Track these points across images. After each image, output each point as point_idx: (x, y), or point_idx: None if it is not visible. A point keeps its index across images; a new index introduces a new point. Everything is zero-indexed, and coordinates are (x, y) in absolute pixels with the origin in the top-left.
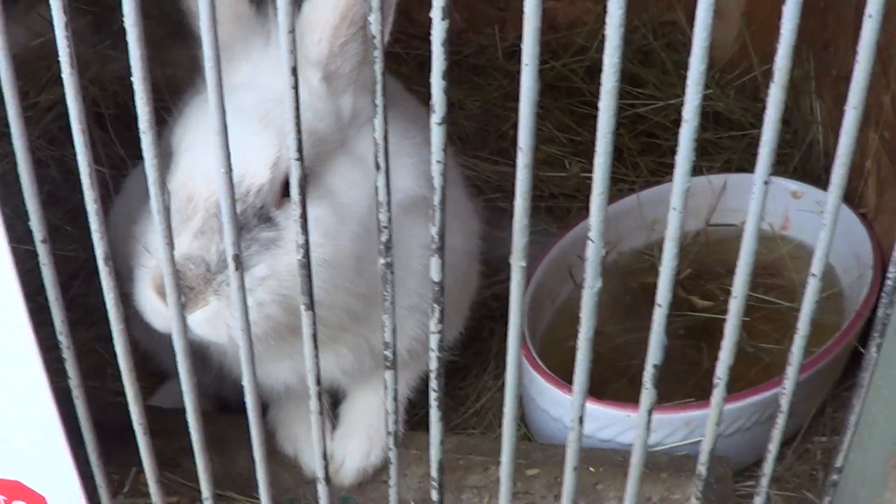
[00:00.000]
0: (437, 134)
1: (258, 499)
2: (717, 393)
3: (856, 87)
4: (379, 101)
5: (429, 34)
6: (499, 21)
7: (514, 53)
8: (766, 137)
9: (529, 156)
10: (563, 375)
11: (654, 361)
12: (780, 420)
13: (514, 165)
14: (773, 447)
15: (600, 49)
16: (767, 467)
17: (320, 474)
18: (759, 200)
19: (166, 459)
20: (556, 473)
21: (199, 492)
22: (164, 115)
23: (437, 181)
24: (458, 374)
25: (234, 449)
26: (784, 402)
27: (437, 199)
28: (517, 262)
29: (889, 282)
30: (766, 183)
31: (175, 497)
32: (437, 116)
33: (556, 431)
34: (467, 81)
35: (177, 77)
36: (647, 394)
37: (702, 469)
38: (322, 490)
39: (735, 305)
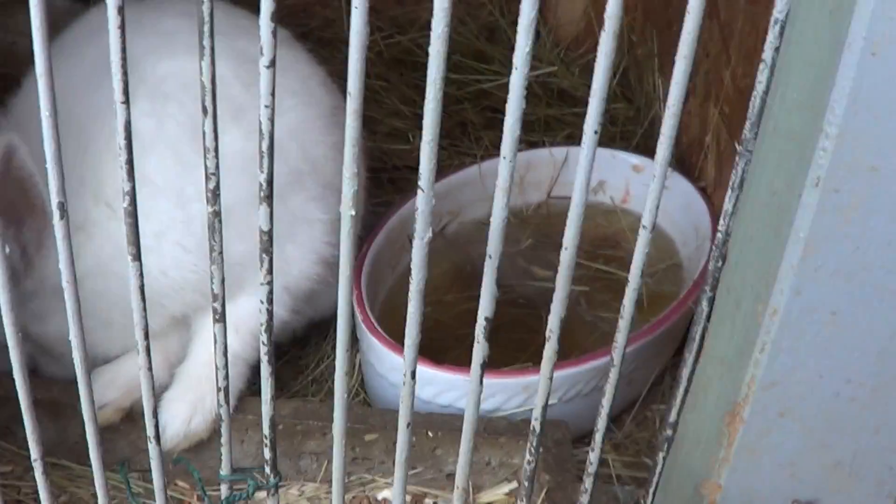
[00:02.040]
0: (265, 77)
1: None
2: (549, 346)
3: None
4: (206, 42)
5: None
6: None
7: None
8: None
9: (358, 101)
10: (401, 342)
11: (486, 314)
12: (613, 374)
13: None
14: (606, 401)
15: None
16: (601, 422)
17: (151, 433)
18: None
19: None
20: (394, 438)
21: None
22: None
23: (266, 126)
24: (297, 344)
25: (68, 416)
26: (616, 356)
27: (265, 146)
28: (347, 212)
29: (719, 234)
30: (596, 132)
31: (9, 466)
32: (265, 59)
33: (395, 397)
34: (313, 54)
35: (18, 44)
36: (479, 348)
37: (535, 424)
38: (153, 450)
39: (566, 256)
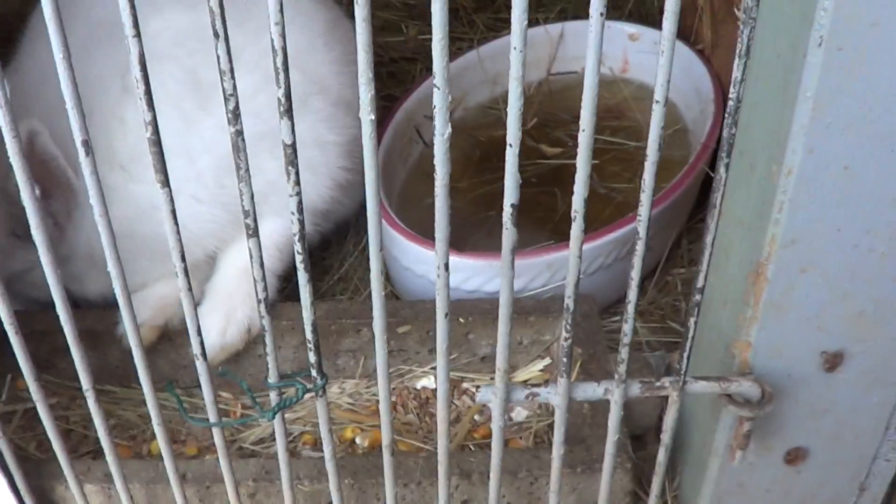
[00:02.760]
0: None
1: (137, 388)
2: (576, 226)
3: None
4: None
5: None
6: None
7: None
8: None
9: (366, 9)
10: (421, 233)
11: (511, 201)
12: (640, 246)
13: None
14: (635, 273)
15: None
16: (632, 294)
17: (197, 350)
18: (597, 44)
19: (40, 361)
20: (427, 328)
21: (78, 389)
22: None
23: (278, 42)
24: (319, 246)
25: (106, 342)
26: (641, 230)
27: (279, 61)
28: (366, 116)
29: (731, 102)
30: (602, 14)
31: (55, 398)
32: None
33: (422, 287)
34: None
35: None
36: (508, 234)
37: (569, 302)
38: (200, 366)
39: (584, 139)
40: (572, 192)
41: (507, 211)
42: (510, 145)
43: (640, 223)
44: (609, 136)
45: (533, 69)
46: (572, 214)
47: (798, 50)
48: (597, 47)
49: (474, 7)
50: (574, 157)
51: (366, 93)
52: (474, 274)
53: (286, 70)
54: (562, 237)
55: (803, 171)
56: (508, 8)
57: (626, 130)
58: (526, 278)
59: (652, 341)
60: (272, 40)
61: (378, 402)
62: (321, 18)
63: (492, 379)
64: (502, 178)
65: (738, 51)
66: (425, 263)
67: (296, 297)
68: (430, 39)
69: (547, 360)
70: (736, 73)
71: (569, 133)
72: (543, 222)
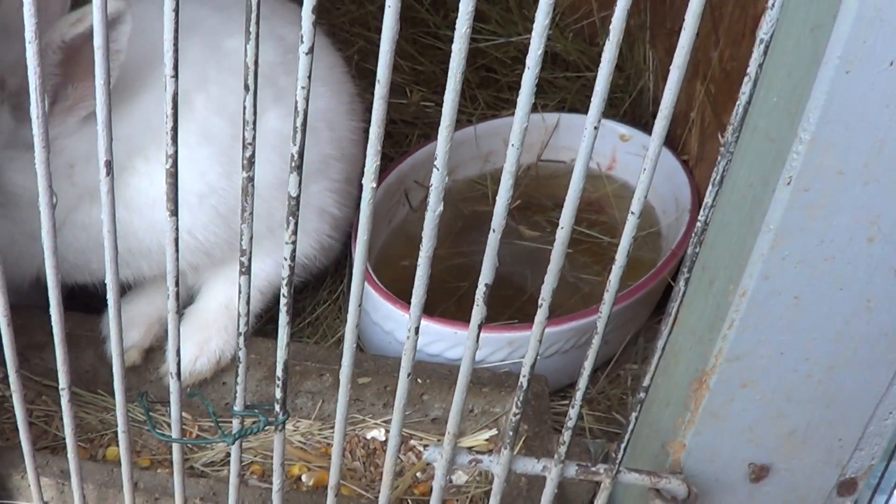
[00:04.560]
0: (304, 62)
1: (102, 394)
2: (541, 312)
3: (681, 51)
4: (252, 28)
5: None
6: None
7: None
8: (599, 88)
9: (386, 87)
10: (394, 293)
11: (486, 281)
12: (596, 340)
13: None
14: (588, 364)
15: None
16: (582, 382)
17: (172, 370)
18: (590, 142)
19: None
20: (385, 383)
21: (45, 386)
22: None
23: (301, 105)
24: (295, 288)
25: (81, 346)
26: (600, 325)
27: (298, 122)
28: (369, 184)
29: (699, 223)
30: (595, 128)
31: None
32: (305, 46)
33: (387, 344)
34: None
35: None
36: (478, 310)
37: (523, 381)
38: (173, 384)
39: (562, 235)
40: (543, 277)
41: (481, 289)
42: (493, 230)
43: (600, 319)
44: (586, 227)
45: (525, 153)
46: (539, 301)
47: (768, 185)
48: (588, 150)
49: (478, 83)
50: (551, 243)
51: (372, 162)
52: (439, 339)
53: (304, 131)
54: (526, 317)
55: (756, 295)
56: (511, 88)
57: (603, 226)
58: (486, 351)
59: (595, 429)
60: (296, 101)
61: (328, 445)
62: (348, 90)
63: (439, 440)
64: (479, 252)
65: (712, 178)
66: (394, 321)
67: (262, 333)
68: (432, 106)
69: (493, 432)
70: (707, 199)
71: (548, 219)
72: (511, 300)
